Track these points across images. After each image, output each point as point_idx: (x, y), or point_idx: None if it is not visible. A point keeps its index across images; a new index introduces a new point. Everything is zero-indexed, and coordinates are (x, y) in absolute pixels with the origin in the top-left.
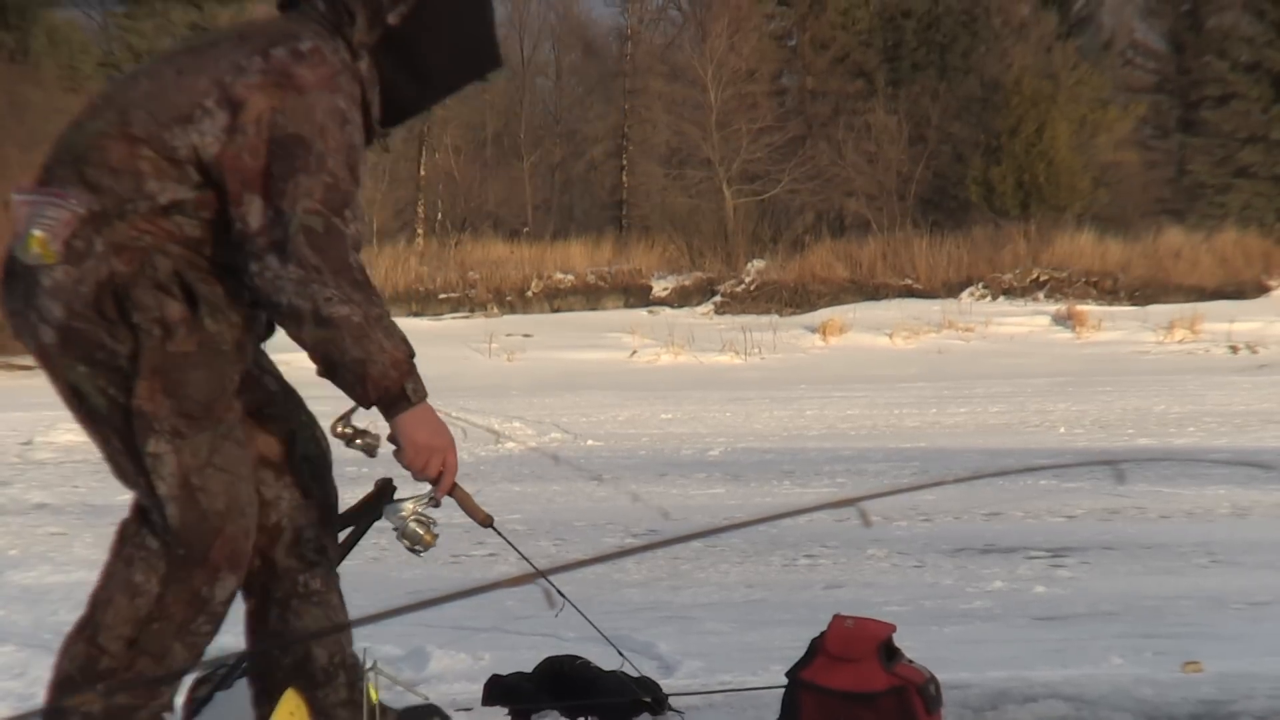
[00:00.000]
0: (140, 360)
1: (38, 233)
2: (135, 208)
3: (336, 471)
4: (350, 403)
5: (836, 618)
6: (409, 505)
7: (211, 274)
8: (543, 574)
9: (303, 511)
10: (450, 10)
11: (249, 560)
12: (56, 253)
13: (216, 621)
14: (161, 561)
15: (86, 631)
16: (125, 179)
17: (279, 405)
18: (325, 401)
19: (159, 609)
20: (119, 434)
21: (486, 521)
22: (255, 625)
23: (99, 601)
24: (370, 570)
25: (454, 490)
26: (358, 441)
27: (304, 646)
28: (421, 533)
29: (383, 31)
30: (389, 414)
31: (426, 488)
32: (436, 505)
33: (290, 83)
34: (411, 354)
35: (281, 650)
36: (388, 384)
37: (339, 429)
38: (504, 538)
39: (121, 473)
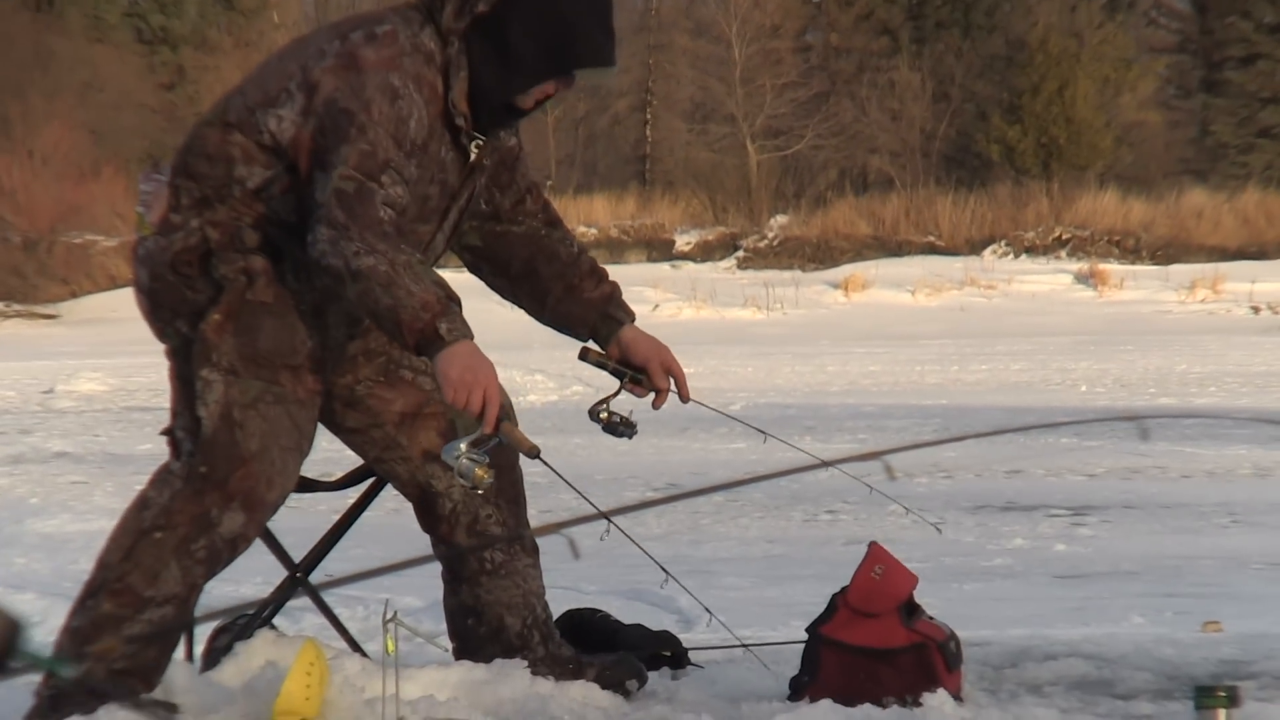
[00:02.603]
0: (219, 302)
1: (138, 208)
2: (231, 192)
3: None
4: (609, 389)
5: (873, 545)
6: (462, 445)
7: (299, 244)
8: (605, 514)
9: (475, 495)
10: (542, 7)
11: (265, 515)
12: (153, 224)
13: (213, 557)
14: (179, 480)
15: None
16: (219, 165)
17: (436, 402)
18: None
19: (165, 518)
20: (181, 363)
21: (533, 452)
22: (450, 604)
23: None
24: (391, 522)
25: (500, 424)
26: (619, 425)
27: (497, 617)
28: (477, 470)
29: (472, 18)
30: (429, 356)
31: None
32: (489, 442)
33: (354, 63)
34: (445, 296)
35: (478, 619)
36: (420, 326)
37: (600, 414)
38: (551, 468)
39: (174, 405)
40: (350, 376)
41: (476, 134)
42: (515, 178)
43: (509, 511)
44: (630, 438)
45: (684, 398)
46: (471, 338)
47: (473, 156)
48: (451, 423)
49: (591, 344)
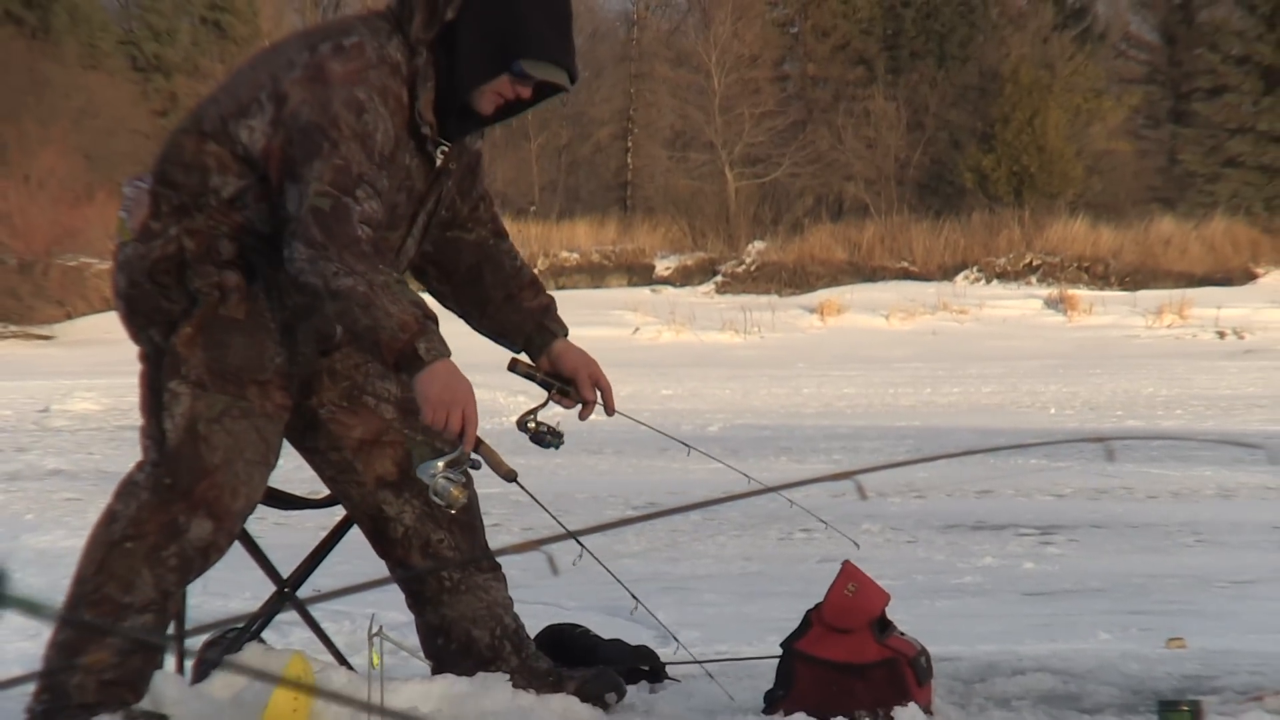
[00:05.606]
0: (192, 315)
1: (120, 214)
2: (207, 201)
3: None
4: (537, 400)
5: (846, 564)
6: (439, 464)
7: (273, 260)
8: (573, 534)
9: (427, 519)
10: (494, 4)
11: (234, 524)
12: (133, 230)
13: (185, 565)
14: (145, 491)
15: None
16: (194, 174)
17: (395, 431)
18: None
19: (133, 528)
20: (152, 371)
21: (510, 475)
22: (420, 626)
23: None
24: None
25: (479, 445)
26: (545, 435)
27: (464, 633)
28: (452, 490)
29: (440, 27)
30: (408, 375)
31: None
32: (465, 463)
33: (321, 76)
34: (424, 315)
35: (446, 637)
36: (399, 346)
37: (528, 424)
38: (527, 492)
39: (143, 415)
40: (315, 399)
41: (442, 140)
42: (475, 184)
43: (462, 536)
44: (557, 448)
45: (609, 410)
46: (449, 356)
47: (438, 162)
48: (408, 453)
49: (522, 355)
